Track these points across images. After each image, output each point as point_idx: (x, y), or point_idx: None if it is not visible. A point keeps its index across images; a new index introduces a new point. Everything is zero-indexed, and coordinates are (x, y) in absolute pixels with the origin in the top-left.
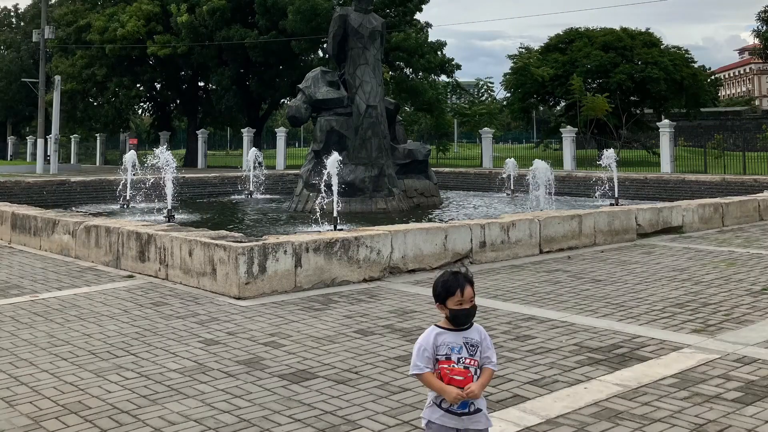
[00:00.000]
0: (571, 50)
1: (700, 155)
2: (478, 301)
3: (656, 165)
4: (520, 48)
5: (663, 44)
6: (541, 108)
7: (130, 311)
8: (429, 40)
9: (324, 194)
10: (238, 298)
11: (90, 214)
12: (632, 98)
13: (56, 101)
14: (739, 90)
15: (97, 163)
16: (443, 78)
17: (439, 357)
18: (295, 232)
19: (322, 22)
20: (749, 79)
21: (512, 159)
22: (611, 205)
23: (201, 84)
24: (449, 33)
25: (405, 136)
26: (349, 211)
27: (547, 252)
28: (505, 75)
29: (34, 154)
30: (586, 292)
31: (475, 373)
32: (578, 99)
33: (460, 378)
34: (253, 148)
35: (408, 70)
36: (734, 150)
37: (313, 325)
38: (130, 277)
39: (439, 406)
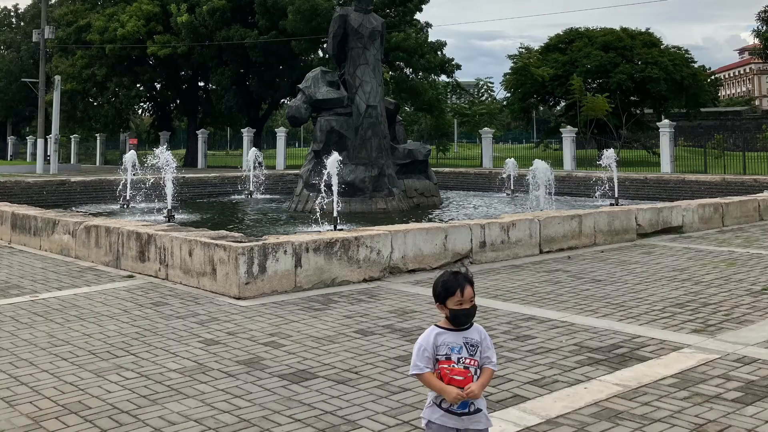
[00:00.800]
0: (571, 50)
1: (700, 155)
2: (478, 301)
3: (656, 165)
4: (520, 48)
5: (663, 44)
6: (541, 108)
7: (130, 311)
8: (429, 40)
9: (324, 194)
10: (238, 298)
11: (90, 214)
12: (632, 98)
13: (56, 101)
14: (739, 90)
15: (97, 163)
16: (443, 78)
17: (439, 357)
18: (295, 232)
19: (322, 22)
20: (749, 79)
21: (512, 159)
22: (611, 205)
23: (201, 84)
24: (449, 33)
25: (405, 136)
26: (349, 211)
27: (547, 252)
28: (505, 75)
29: (34, 154)
30: (586, 292)
31: (475, 373)
32: (578, 99)
33: (460, 378)
34: (253, 148)
35: (408, 70)
36: (734, 150)
37: (313, 325)
38: (130, 277)
39: (439, 406)
